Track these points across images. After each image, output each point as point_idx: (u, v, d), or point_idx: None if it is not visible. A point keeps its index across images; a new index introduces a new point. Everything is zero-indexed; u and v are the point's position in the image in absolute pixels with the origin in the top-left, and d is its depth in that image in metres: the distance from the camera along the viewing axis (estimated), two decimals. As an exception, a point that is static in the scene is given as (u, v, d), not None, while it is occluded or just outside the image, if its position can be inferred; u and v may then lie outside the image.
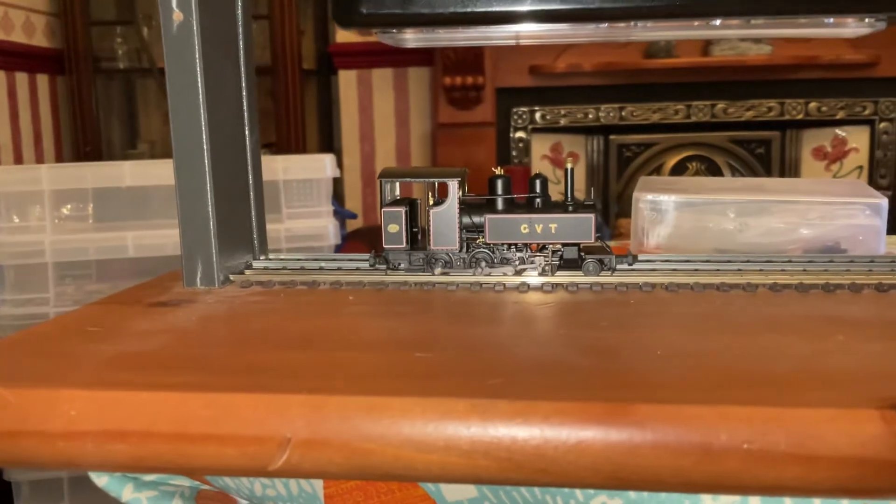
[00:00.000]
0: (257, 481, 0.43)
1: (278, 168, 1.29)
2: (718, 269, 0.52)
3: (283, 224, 1.30)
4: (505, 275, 0.52)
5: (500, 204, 0.52)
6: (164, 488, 0.47)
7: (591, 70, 2.57)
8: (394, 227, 0.53)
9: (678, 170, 2.73)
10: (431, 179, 0.53)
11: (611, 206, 2.76)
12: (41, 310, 1.25)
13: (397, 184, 0.55)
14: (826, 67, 2.56)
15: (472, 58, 2.51)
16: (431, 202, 0.53)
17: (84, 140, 2.77)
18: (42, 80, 2.73)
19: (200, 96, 0.49)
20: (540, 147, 2.72)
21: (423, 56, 2.72)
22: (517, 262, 0.53)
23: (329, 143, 3.01)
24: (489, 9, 0.46)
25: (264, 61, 2.73)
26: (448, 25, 0.48)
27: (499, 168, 0.54)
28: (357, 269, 0.55)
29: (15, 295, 1.25)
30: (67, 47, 2.74)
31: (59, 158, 2.79)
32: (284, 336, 0.42)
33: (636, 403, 0.31)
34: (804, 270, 0.51)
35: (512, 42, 0.52)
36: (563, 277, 0.51)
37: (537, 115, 2.67)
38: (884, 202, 0.63)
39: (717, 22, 0.47)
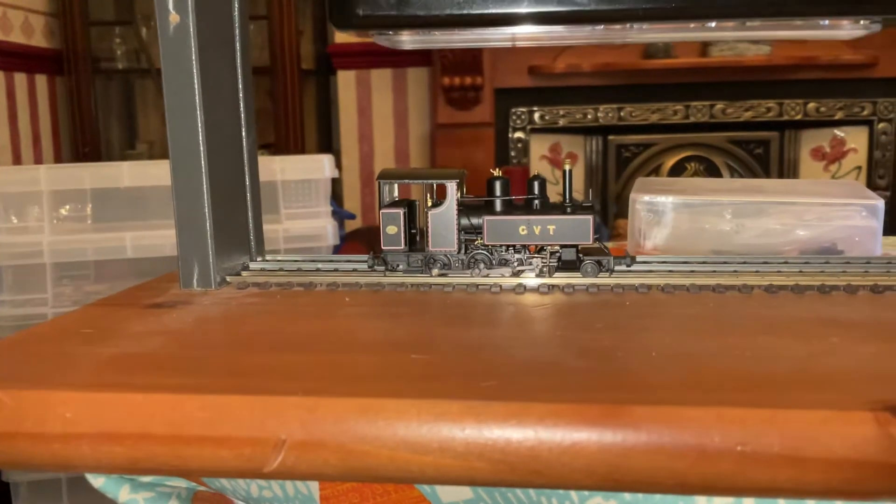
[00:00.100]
0: (253, 483, 0.43)
1: (276, 168, 1.29)
2: (714, 271, 0.52)
3: (281, 225, 1.30)
4: (503, 276, 0.52)
5: (498, 205, 0.52)
6: (160, 489, 0.47)
7: (589, 70, 2.57)
8: (392, 228, 0.53)
9: (677, 170, 2.73)
10: (430, 181, 0.53)
11: (609, 206, 2.76)
12: (39, 310, 1.25)
13: (396, 185, 0.55)
14: (825, 68, 2.57)
15: (470, 58, 2.51)
16: (430, 203, 0.53)
17: (83, 140, 2.77)
18: (41, 81, 2.73)
19: (197, 97, 0.49)
20: (539, 147, 2.72)
21: (421, 56, 2.73)
22: (515, 264, 0.53)
23: (328, 143, 3.01)
24: (485, 11, 0.46)
25: (263, 62, 2.73)
26: (444, 27, 0.48)
27: (497, 169, 0.54)
28: (354, 270, 0.55)
29: (13, 296, 1.25)
30: (66, 48, 2.74)
31: (58, 159, 2.79)
32: (280, 338, 0.42)
33: (630, 405, 0.31)
34: (800, 272, 0.51)
35: (508, 44, 0.52)
36: (561, 279, 0.51)
37: (536, 116, 2.67)
38: (880, 203, 0.63)
39: (713, 24, 0.47)
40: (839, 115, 2.64)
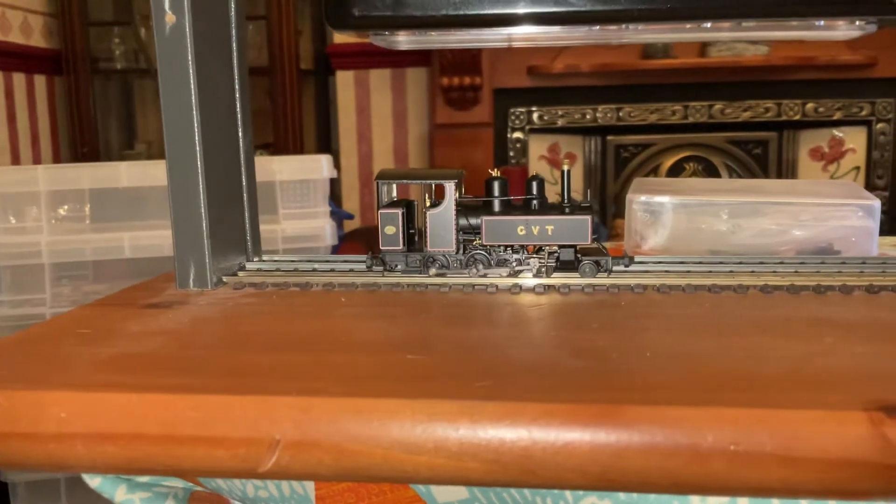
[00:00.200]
0: (249, 483, 0.43)
1: (275, 169, 1.29)
2: (710, 271, 0.52)
3: (279, 225, 1.30)
4: (501, 276, 0.52)
5: (496, 205, 0.52)
6: (157, 489, 0.47)
7: (588, 71, 2.57)
8: (391, 228, 0.53)
9: (675, 170, 2.73)
10: (428, 181, 0.53)
11: (608, 206, 2.76)
12: (38, 310, 1.25)
13: (394, 185, 0.55)
14: (823, 68, 2.57)
15: (469, 58, 2.51)
16: (428, 204, 0.53)
17: (81, 141, 2.77)
18: (39, 81, 2.73)
19: (193, 97, 0.49)
20: (537, 148, 2.72)
21: (420, 57, 2.73)
22: (514, 264, 0.53)
23: (327, 143, 3.01)
24: (481, 11, 0.46)
25: (262, 62, 2.73)
26: (440, 28, 0.48)
27: (495, 170, 0.54)
28: (350, 270, 0.55)
29: (11, 296, 1.25)
30: (65, 48, 2.74)
31: (57, 159, 2.79)
32: (276, 338, 0.42)
33: (623, 405, 0.31)
34: (796, 272, 0.51)
35: (504, 44, 0.52)
36: (559, 279, 0.51)
37: (535, 116, 2.67)
38: (876, 204, 0.63)
39: (709, 24, 0.47)
40: (838, 116, 2.64)
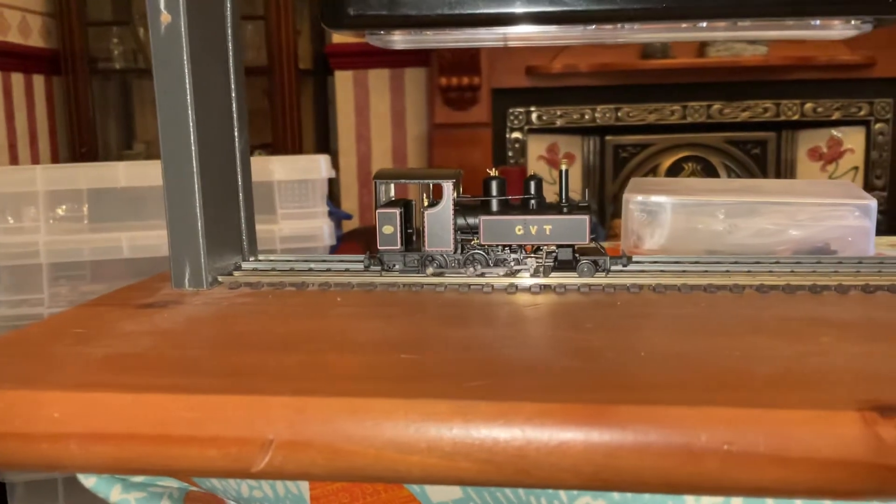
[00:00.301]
0: (244, 483, 0.43)
1: (273, 169, 1.29)
2: (706, 271, 0.52)
3: (277, 225, 1.30)
4: (499, 276, 0.52)
5: (494, 205, 0.52)
6: (152, 489, 0.47)
7: (587, 71, 2.57)
8: (388, 228, 0.53)
9: (674, 170, 2.73)
10: (426, 181, 0.53)
11: (606, 206, 2.76)
12: (36, 311, 1.25)
13: (392, 185, 0.55)
14: (822, 68, 2.57)
15: (468, 58, 2.51)
16: (426, 203, 0.53)
17: (80, 141, 2.77)
18: (38, 81, 2.73)
19: (188, 97, 0.49)
20: (536, 148, 2.72)
21: (419, 56, 2.73)
22: (512, 264, 0.53)
23: (325, 143, 3.01)
24: (476, 11, 0.46)
25: (260, 62, 2.73)
26: (436, 27, 0.48)
27: (493, 169, 0.54)
28: (346, 270, 0.55)
29: (9, 296, 1.25)
30: (64, 48, 2.74)
31: (55, 159, 2.79)
32: (270, 338, 0.42)
33: (617, 405, 0.31)
34: (792, 272, 0.51)
35: (500, 44, 0.52)
36: (556, 279, 0.51)
37: (533, 116, 2.67)
38: (873, 203, 0.63)
39: (704, 24, 0.47)
40: (836, 116, 2.64)
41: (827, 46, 2.51)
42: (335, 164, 2.68)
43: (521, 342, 0.40)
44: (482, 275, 0.52)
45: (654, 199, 0.66)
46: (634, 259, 0.54)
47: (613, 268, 0.53)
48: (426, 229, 0.52)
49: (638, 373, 0.35)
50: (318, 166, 1.32)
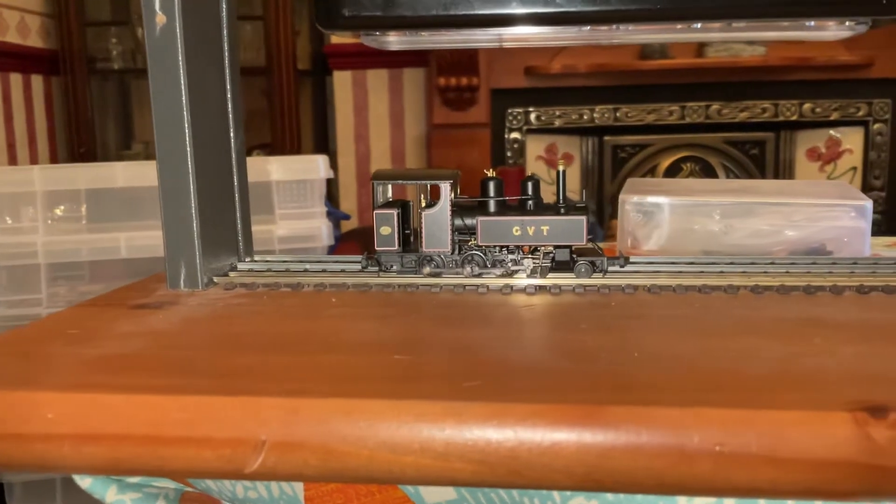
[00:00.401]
0: (239, 483, 0.43)
1: (271, 169, 1.29)
2: (702, 272, 0.52)
3: (275, 225, 1.30)
4: (496, 277, 0.52)
5: (492, 206, 0.52)
6: (147, 490, 0.47)
7: (585, 71, 2.57)
8: (386, 229, 0.53)
9: (672, 171, 2.73)
10: (423, 181, 0.53)
11: (605, 207, 2.77)
12: (33, 311, 1.25)
13: (389, 186, 0.55)
14: (820, 69, 2.57)
15: (466, 59, 2.51)
16: (424, 204, 0.53)
17: (79, 141, 2.77)
18: (36, 81, 2.73)
19: (183, 98, 0.49)
20: (535, 148, 2.72)
21: (417, 57, 2.73)
22: (509, 265, 0.53)
23: (324, 143, 3.01)
24: (471, 12, 0.46)
25: (259, 62, 2.73)
26: (430, 28, 0.48)
27: (491, 170, 0.54)
28: (342, 271, 0.55)
29: (7, 296, 1.25)
30: (62, 48, 2.74)
31: (54, 159, 2.79)
32: (265, 338, 0.42)
33: (609, 405, 0.31)
34: (787, 272, 0.51)
35: (496, 45, 0.52)
36: (552, 280, 0.51)
37: (532, 116, 2.67)
38: (868, 204, 0.63)
39: (699, 25, 0.47)
40: (834, 116, 2.64)
41: (825, 47, 2.51)
42: (334, 165, 2.69)
43: (515, 343, 0.40)
44: (479, 275, 0.52)
45: (650, 199, 0.66)
46: (635, 260, 0.54)
47: (611, 268, 0.53)
48: (424, 230, 0.52)
49: (631, 373, 0.35)
50: (316, 167, 1.32)
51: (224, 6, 0.54)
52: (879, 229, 2.51)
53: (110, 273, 1.28)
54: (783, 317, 0.44)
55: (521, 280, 0.52)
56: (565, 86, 2.64)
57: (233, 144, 0.56)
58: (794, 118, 2.64)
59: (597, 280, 0.51)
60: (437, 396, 0.32)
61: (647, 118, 2.66)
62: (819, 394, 0.32)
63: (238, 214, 0.57)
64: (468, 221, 0.52)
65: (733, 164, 2.73)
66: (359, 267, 0.56)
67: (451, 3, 0.46)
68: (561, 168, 0.53)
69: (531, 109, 2.67)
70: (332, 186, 2.82)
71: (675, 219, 0.65)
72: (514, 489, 0.37)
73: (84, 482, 0.46)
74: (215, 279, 0.53)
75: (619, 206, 0.67)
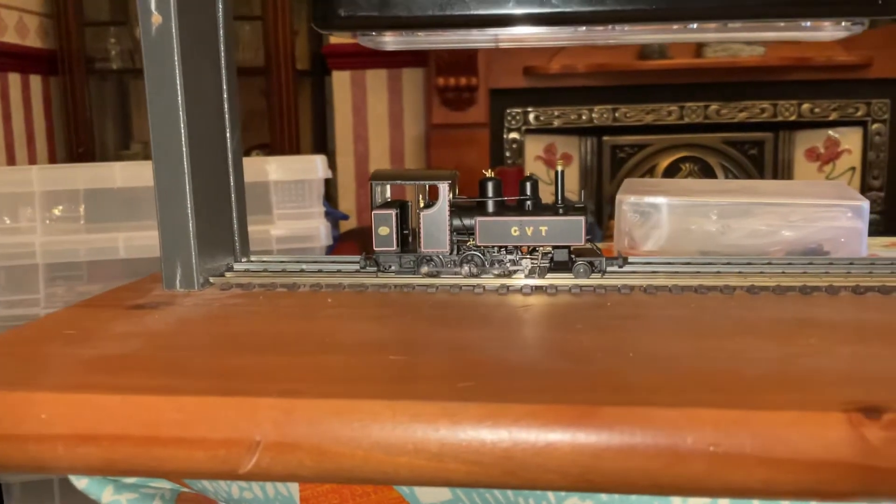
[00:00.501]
0: (234, 484, 0.43)
1: (269, 169, 1.29)
2: (698, 272, 0.52)
3: (273, 225, 1.30)
4: (495, 277, 0.52)
5: (490, 206, 0.52)
6: (144, 491, 0.47)
7: (584, 71, 2.57)
8: (384, 229, 0.53)
9: (671, 171, 2.73)
10: (422, 181, 0.53)
11: (604, 207, 2.77)
12: (31, 311, 1.25)
13: (388, 186, 0.55)
14: (819, 69, 2.57)
15: (465, 59, 2.51)
16: (422, 204, 0.53)
17: (77, 141, 2.77)
18: (35, 81, 2.73)
19: (179, 98, 0.49)
20: (533, 148, 2.72)
21: (416, 57, 2.73)
22: (507, 265, 0.53)
23: (323, 144, 3.01)
24: (467, 12, 0.46)
25: (258, 62, 2.72)
26: (426, 28, 0.48)
27: (489, 170, 0.54)
28: (338, 271, 0.55)
29: (5, 296, 1.25)
30: (61, 48, 2.74)
31: (52, 159, 2.78)
32: (260, 339, 0.42)
33: (603, 406, 0.31)
34: (783, 273, 0.51)
35: (492, 45, 0.52)
36: (549, 280, 0.51)
37: (531, 117, 2.67)
38: (865, 204, 0.63)
39: (695, 26, 0.47)
40: (833, 116, 2.64)
41: (824, 47, 2.51)
42: (332, 165, 2.69)
43: (510, 343, 0.40)
44: (478, 276, 0.52)
45: (647, 199, 0.66)
46: (632, 260, 0.54)
47: (610, 269, 0.53)
48: (422, 230, 0.52)
49: (626, 374, 0.35)
50: (314, 167, 1.32)
51: (220, 6, 0.54)
52: (878, 229, 2.51)
53: (109, 273, 1.27)
54: (779, 317, 0.44)
55: (518, 280, 0.52)
56: (564, 86, 2.64)
57: (229, 144, 0.56)
58: (793, 118, 2.64)
59: (593, 280, 0.51)
60: (432, 397, 0.32)
61: (645, 118, 2.66)
62: (813, 394, 0.32)
63: (234, 214, 0.57)
64: (467, 222, 0.52)
65: (732, 164, 2.73)
66: (355, 267, 0.55)
67: (446, 3, 0.46)
68: (559, 168, 0.53)
69: (530, 109, 2.67)
70: (330, 186, 2.83)
71: (672, 219, 0.65)
72: (509, 490, 0.37)
73: (80, 483, 0.46)
74: (211, 279, 0.53)
75: (616, 207, 0.67)
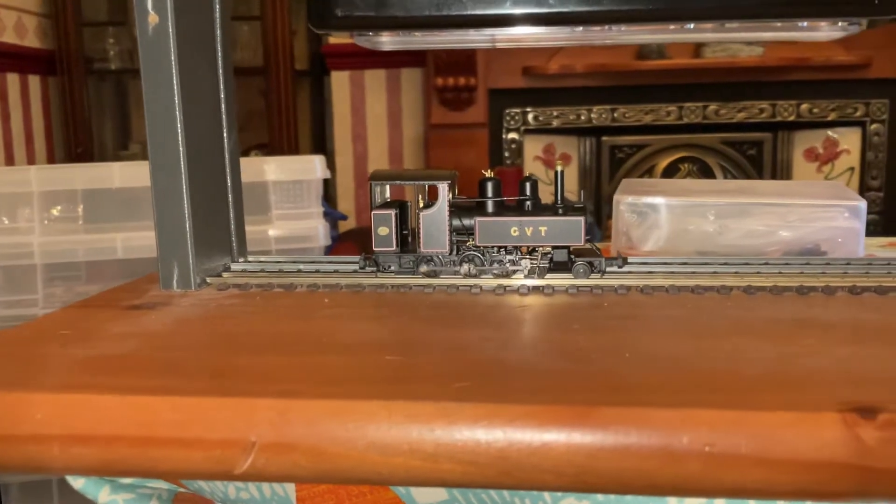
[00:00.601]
0: (231, 484, 0.43)
1: (267, 169, 1.29)
2: (695, 272, 0.52)
3: (271, 225, 1.30)
4: (494, 277, 0.52)
5: (490, 206, 0.52)
6: (141, 491, 0.47)
7: (583, 71, 2.57)
8: (384, 229, 0.53)
9: (670, 171, 2.73)
10: (421, 182, 0.53)
11: (603, 207, 2.77)
12: (30, 311, 1.25)
13: (387, 186, 0.55)
14: (818, 69, 2.57)
15: (464, 59, 2.51)
16: (421, 205, 0.53)
17: (76, 141, 2.77)
18: (34, 81, 2.73)
19: (176, 98, 0.49)
20: (532, 148, 2.72)
21: (415, 57, 2.73)
22: (507, 265, 0.53)
23: (322, 144, 3.01)
24: (464, 12, 0.46)
25: (256, 62, 2.72)
26: (423, 28, 0.48)
27: (489, 170, 0.54)
28: (336, 271, 0.55)
29: (3, 296, 1.25)
30: (59, 48, 2.74)
31: (51, 159, 2.78)
32: (257, 339, 0.42)
33: (599, 406, 0.31)
34: (780, 273, 0.51)
35: (489, 45, 0.52)
36: (545, 280, 0.51)
37: (530, 117, 2.67)
38: (862, 205, 0.63)
39: (692, 26, 0.47)
40: (832, 117, 2.64)
41: (823, 47, 2.51)
42: (331, 165, 2.69)
43: (507, 343, 0.40)
44: (477, 276, 0.52)
45: (645, 200, 0.66)
46: (632, 260, 0.54)
47: (609, 269, 0.53)
48: (421, 230, 0.52)
49: (622, 374, 0.35)
50: (312, 167, 1.32)
51: (217, 6, 0.54)
52: (876, 230, 2.51)
53: (107, 273, 1.27)
54: (775, 317, 0.44)
55: (515, 280, 0.52)
56: (563, 86, 2.64)
57: (226, 144, 0.56)
58: (792, 118, 2.65)
59: (590, 280, 0.51)
60: (427, 397, 0.32)
61: (644, 118, 2.66)
62: (809, 395, 0.32)
63: (231, 215, 0.57)
64: (466, 222, 0.52)
65: (731, 164, 2.73)
66: (353, 267, 0.55)
67: (443, 3, 0.46)
68: (559, 168, 0.53)
69: (529, 110, 2.67)
70: (329, 187, 2.83)
71: (670, 219, 0.65)
72: (505, 490, 0.37)
73: (77, 483, 0.46)
74: (208, 280, 0.53)
75: (613, 207, 0.67)
